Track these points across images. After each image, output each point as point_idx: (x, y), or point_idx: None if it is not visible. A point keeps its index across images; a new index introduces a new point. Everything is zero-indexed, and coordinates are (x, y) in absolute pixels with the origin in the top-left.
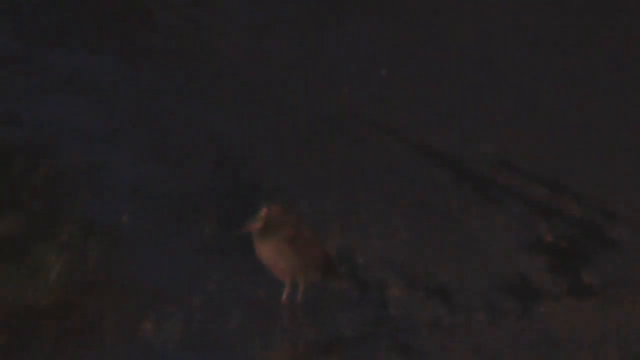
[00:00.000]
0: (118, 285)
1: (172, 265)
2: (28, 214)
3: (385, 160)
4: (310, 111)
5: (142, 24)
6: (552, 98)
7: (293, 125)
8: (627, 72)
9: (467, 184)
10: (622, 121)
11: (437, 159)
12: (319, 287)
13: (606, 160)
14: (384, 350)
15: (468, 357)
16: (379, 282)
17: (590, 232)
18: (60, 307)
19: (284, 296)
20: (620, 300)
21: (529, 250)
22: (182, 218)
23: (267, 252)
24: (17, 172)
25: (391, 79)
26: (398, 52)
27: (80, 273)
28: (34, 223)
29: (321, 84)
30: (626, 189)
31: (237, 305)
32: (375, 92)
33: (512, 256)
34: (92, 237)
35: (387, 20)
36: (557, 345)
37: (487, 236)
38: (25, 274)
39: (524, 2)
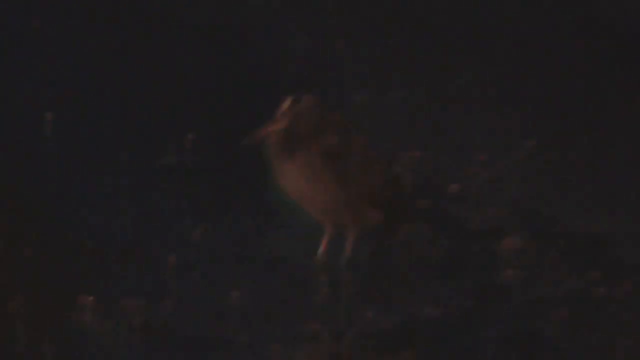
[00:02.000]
0: (36, 237)
1: (130, 200)
2: None
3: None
4: None
5: None
6: None
7: None
8: None
9: None
10: None
11: None
12: (381, 236)
13: None
14: (491, 342)
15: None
16: (483, 227)
17: None
18: None
19: (320, 250)
20: None
21: None
22: (139, 117)
23: (294, 174)
24: None
25: None
26: None
27: None
28: None
29: None
30: None
31: (236, 271)
32: None
33: None
34: None
35: None
36: None
37: None
38: None
39: None
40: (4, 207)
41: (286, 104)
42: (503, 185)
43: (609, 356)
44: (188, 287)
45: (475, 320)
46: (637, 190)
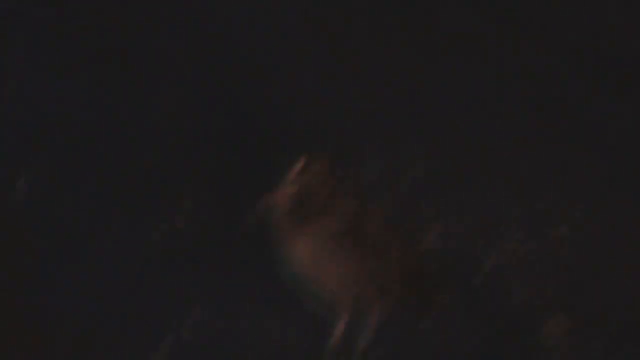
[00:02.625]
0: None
1: (112, 284)
2: None
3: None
4: None
5: None
6: None
7: None
8: None
9: None
10: None
11: None
12: (404, 319)
13: None
14: None
15: None
16: (522, 310)
17: None
18: None
19: (336, 337)
20: None
21: None
22: (130, 185)
23: (306, 252)
24: None
25: None
26: None
27: None
28: None
29: None
30: None
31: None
32: None
33: None
34: None
35: None
36: None
37: None
38: None
39: None
40: None
41: (297, 165)
42: (544, 262)
43: None
44: None
45: None
46: None
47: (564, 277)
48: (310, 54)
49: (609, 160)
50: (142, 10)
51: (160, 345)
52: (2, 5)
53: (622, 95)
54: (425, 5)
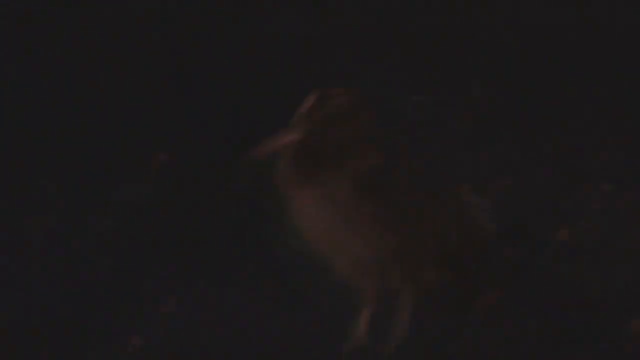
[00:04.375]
0: None
1: (84, 274)
2: None
3: None
4: None
5: None
6: None
7: None
8: None
9: None
10: None
11: None
12: (441, 314)
13: None
14: None
15: None
16: (606, 297)
17: None
18: None
19: (360, 329)
20: None
21: None
22: (101, 147)
23: (317, 210)
24: None
25: None
26: None
27: None
28: None
29: None
30: None
31: None
32: None
33: None
34: None
35: None
36: None
37: None
38: None
39: None
40: None
41: (308, 101)
42: (637, 232)
43: None
44: None
45: None
46: None
47: None
48: None
49: None
50: (137, 5)
51: (130, 342)
52: None
53: None
54: None
